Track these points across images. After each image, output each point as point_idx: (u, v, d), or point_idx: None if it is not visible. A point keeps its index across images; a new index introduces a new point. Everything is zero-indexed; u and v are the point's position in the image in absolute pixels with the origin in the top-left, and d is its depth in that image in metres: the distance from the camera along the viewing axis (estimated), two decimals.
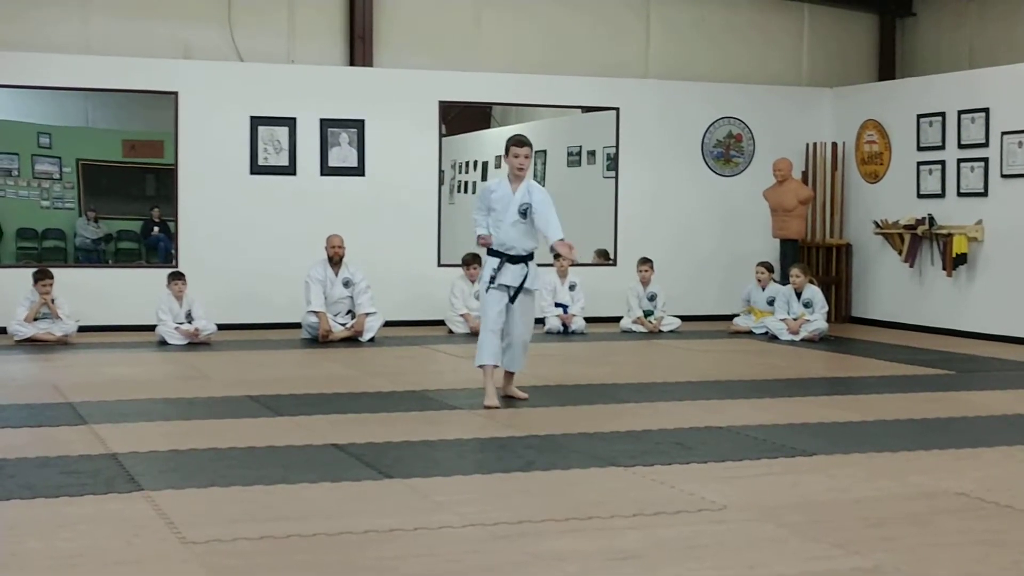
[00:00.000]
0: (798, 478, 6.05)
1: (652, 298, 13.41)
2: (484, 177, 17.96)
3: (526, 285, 8.19)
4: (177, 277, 11.97)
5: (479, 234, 8.27)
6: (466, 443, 6.89)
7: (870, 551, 4.72)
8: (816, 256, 14.59)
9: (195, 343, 11.65)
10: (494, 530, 4.98)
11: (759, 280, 13.44)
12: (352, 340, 12.09)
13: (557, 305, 12.95)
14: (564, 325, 12.92)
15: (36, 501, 5.41)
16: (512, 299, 8.17)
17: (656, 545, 4.83)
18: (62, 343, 11.57)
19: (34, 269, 12.10)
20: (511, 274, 8.16)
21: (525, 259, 8.21)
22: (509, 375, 8.40)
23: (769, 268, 13.50)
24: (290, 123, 13.16)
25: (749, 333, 13.03)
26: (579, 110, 15.13)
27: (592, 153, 15.50)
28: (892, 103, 14.09)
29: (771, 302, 13.10)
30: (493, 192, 8.26)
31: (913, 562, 4.61)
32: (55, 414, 7.70)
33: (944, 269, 13.13)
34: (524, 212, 8.13)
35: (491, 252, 8.22)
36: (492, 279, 8.15)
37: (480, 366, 8.21)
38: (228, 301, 12.71)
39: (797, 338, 12.44)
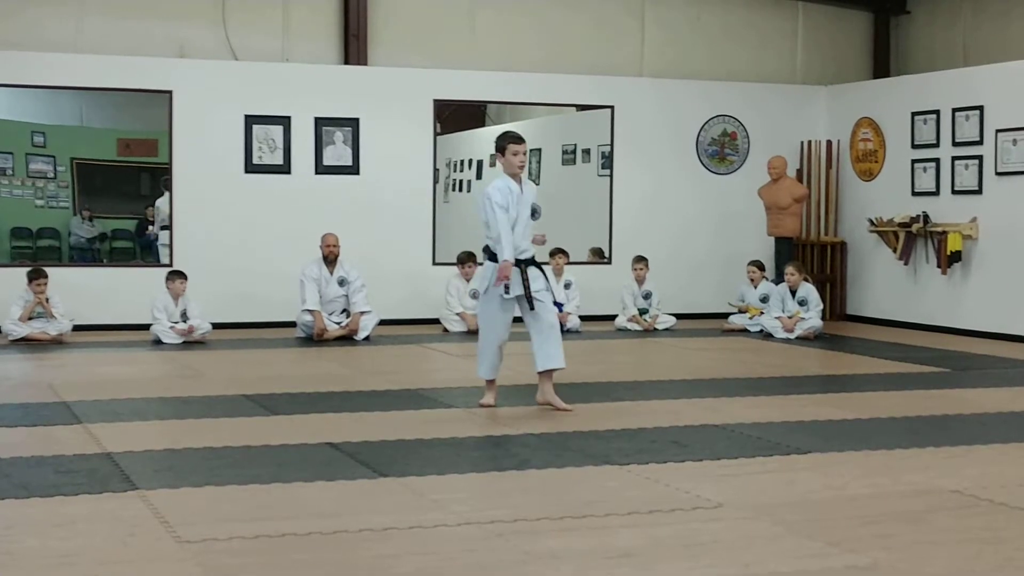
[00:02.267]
0: (793, 476, 6.05)
1: (647, 296, 13.41)
2: (479, 176, 17.93)
3: (543, 287, 7.82)
4: (177, 275, 11.95)
5: (507, 257, 7.59)
6: (461, 441, 6.89)
7: (865, 549, 4.73)
8: (811, 254, 14.60)
9: (190, 342, 11.64)
10: (489, 529, 4.98)
11: (751, 279, 13.46)
12: (347, 339, 12.09)
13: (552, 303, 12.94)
14: (559, 323, 12.88)
15: (31, 500, 5.40)
16: (532, 305, 7.74)
17: (651, 543, 4.83)
18: (57, 342, 11.56)
19: (28, 268, 12.08)
20: (537, 280, 7.77)
21: (533, 260, 7.87)
22: (547, 375, 7.90)
23: (760, 267, 13.52)
24: (285, 122, 13.15)
25: (744, 331, 13.04)
26: (574, 108, 15.12)
27: (587, 151, 15.49)
28: (886, 101, 14.10)
29: (764, 299, 13.12)
30: (512, 193, 7.74)
31: (908, 559, 4.62)
32: (50, 413, 7.70)
33: (939, 267, 13.14)
34: (535, 212, 7.85)
35: (496, 258, 7.75)
36: (507, 288, 7.69)
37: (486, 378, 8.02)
38: (223, 300, 12.70)
39: (792, 336, 12.45)
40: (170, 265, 12.68)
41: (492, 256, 7.84)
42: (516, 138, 7.85)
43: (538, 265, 7.93)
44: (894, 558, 4.62)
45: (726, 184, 14.65)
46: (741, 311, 13.38)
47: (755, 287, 13.41)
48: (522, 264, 7.76)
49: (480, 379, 8.17)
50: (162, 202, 14.18)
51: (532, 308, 7.76)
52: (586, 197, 15.04)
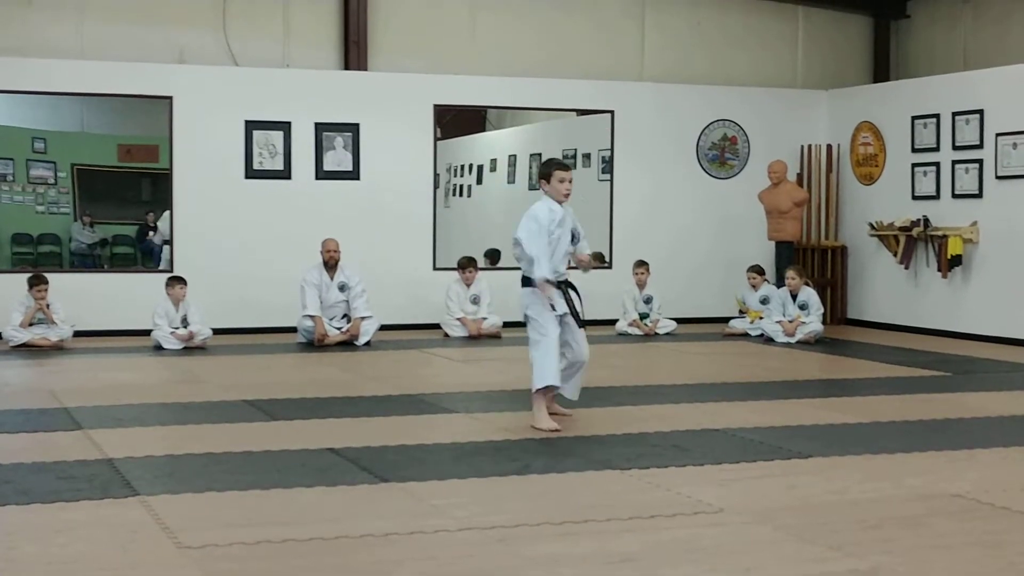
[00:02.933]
0: (794, 480, 6.05)
1: (648, 301, 13.41)
2: (479, 181, 17.95)
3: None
4: (177, 281, 11.95)
5: (544, 277, 7.43)
6: (462, 446, 6.89)
7: (867, 553, 4.73)
8: (811, 258, 14.60)
9: (191, 347, 11.64)
10: (490, 534, 4.98)
11: (752, 285, 13.46)
12: (348, 344, 12.09)
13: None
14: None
15: (32, 506, 5.40)
16: (580, 323, 7.64)
17: (653, 548, 4.82)
18: (57, 348, 11.55)
19: (29, 274, 12.08)
20: (577, 302, 7.67)
21: (569, 283, 7.74)
22: (555, 394, 7.71)
23: (760, 271, 13.51)
24: (285, 127, 13.16)
25: (745, 335, 13.03)
26: (574, 113, 15.14)
27: (587, 156, 15.51)
28: (887, 105, 14.11)
29: (764, 301, 13.12)
30: (555, 218, 7.56)
31: (909, 564, 4.62)
32: (51, 419, 7.70)
33: (939, 271, 13.14)
34: (575, 237, 7.76)
35: (531, 283, 7.53)
36: (553, 306, 7.51)
37: (544, 387, 7.44)
38: (224, 305, 12.70)
39: (793, 340, 12.45)
40: (171, 271, 12.68)
41: (526, 281, 7.59)
42: (563, 166, 7.76)
43: (574, 288, 7.77)
44: (895, 562, 4.62)
45: (726, 188, 14.65)
46: (742, 312, 13.38)
47: (755, 291, 13.41)
48: (563, 286, 7.64)
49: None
50: (164, 221, 14.19)
51: (582, 326, 7.65)
52: (586, 202, 15.03)
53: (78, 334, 11.91)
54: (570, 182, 7.69)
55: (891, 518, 5.28)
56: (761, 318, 12.96)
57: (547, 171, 7.71)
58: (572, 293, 7.72)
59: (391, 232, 13.42)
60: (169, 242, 13.15)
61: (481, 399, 8.66)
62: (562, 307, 7.59)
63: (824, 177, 14.73)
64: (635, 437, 7.14)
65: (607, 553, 4.73)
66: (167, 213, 13.34)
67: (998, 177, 12.64)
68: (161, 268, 13.46)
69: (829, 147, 14.77)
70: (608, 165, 14.50)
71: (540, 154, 16.68)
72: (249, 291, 12.93)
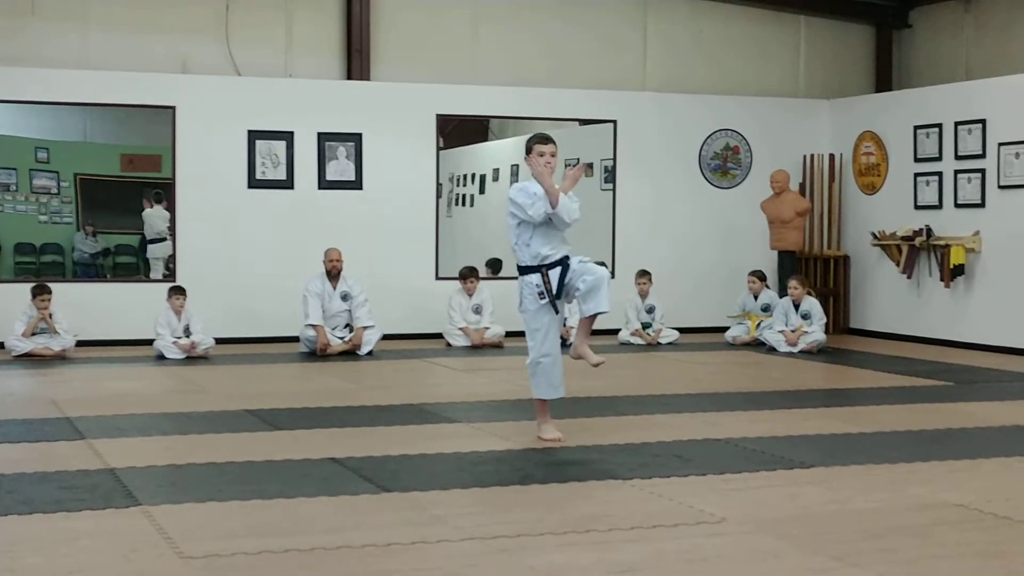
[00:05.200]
0: (797, 490, 6.04)
1: (650, 310, 13.41)
2: (482, 190, 17.95)
3: (571, 271, 7.15)
4: (177, 291, 11.97)
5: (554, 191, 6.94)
6: (464, 456, 6.88)
7: (869, 563, 4.72)
8: (814, 267, 14.60)
9: (193, 357, 11.65)
10: (492, 544, 4.98)
11: (751, 289, 13.46)
12: (350, 353, 12.09)
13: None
14: (562, 338, 12.85)
15: (34, 516, 5.40)
16: (558, 295, 7.14)
17: (654, 558, 4.82)
18: (60, 358, 11.56)
19: (32, 284, 12.09)
20: (553, 280, 7.14)
21: (562, 261, 7.18)
22: (589, 322, 7.29)
23: (761, 276, 13.51)
24: (288, 137, 13.18)
25: (759, 344, 12.90)
26: (577, 123, 15.15)
27: (590, 166, 15.51)
28: (889, 115, 14.11)
29: (766, 308, 13.12)
30: (535, 193, 7.07)
31: (912, 574, 4.62)
32: (53, 429, 7.70)
33: (942, 280, 13.13)
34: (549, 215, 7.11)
35: (525, 269, 7.21)
36: (540, 295, 7.13)
37: (541, 400, 7.32)
38: (226, 315, 12.70)
39: (795, 350, 12.44)
40: (172, 279, 12.70)
41: (522, 269, 7.25)
42: (543, 138, 7.21)
43: (562, 265, 7.19)
44: (898, 572, 4.62)
45: (729, 198, 14.66)
46: (740, 321, 13.36)
47: (755, 298, 13.41)
48: (544, 269, 7.15)
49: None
50: (149, 215, 14.17)
51: (557, 312, 7.21)
52: (589, 211, 14.97)
53: (80, 344, 11.92)
54: (552, 155, 7.12)
55: (894, 528, 5.28)
56: (769, 316, 12.89)
57: (528, 145, 7.21)
58: (553, 275, 7.15)
59: (393, 242, 13.43)
60: (155, 240, 13.13)
61: (483, 409, 8.65)
62: (547, 295, 7.16)
63: (826, 187, 14.73)
64: (637, 447, 7.14)
65: (609, 563, 4.73)
66: (148, 210, 13.31)
67: (1000, 187, 12.64)
68: (152, 277, 13.43)
69: (831, 157, 14.77)
70: (611, 175, 14.50)
71: None
72: (251, 301, 12.94)
